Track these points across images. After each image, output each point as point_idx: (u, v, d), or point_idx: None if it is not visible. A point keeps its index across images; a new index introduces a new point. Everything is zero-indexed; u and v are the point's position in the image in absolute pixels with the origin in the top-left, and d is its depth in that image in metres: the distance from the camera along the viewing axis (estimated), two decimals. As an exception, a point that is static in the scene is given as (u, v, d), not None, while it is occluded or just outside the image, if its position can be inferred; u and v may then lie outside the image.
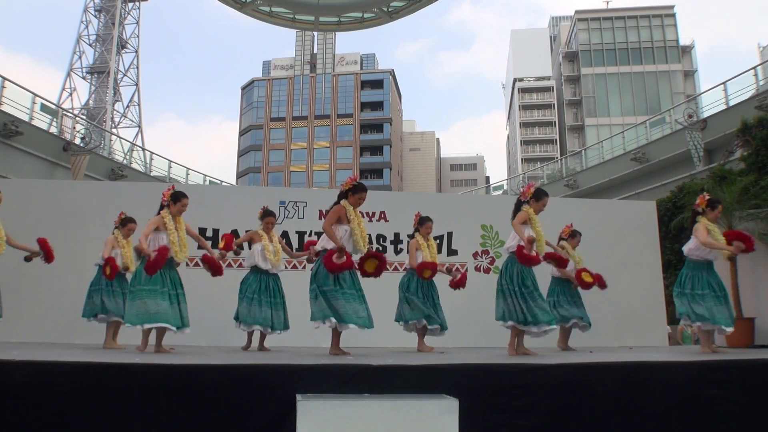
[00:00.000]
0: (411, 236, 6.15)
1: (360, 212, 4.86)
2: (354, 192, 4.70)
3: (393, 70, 62.00)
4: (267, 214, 5.79)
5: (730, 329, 4.99)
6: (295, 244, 7.30)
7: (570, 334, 6.35)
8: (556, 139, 55.27)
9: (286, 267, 6.49)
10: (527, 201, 4.93)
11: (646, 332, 7.54)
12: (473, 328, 6.53)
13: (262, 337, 5.62)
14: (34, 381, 2.90)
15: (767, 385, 3.51)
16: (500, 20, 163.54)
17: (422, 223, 5.99)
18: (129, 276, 5.46)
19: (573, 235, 6.52)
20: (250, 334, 5.63)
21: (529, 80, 59.79)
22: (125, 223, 5.80)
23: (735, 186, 8.15)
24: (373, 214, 7.48)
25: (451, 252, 7.57)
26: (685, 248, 5.31)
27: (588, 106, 45.81)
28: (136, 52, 56.24)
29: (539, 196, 4.92)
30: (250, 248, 5.75)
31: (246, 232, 6.00)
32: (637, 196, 19.49)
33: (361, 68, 60.80)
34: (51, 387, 2.89)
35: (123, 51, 55.40)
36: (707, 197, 5.39)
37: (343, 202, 4.69)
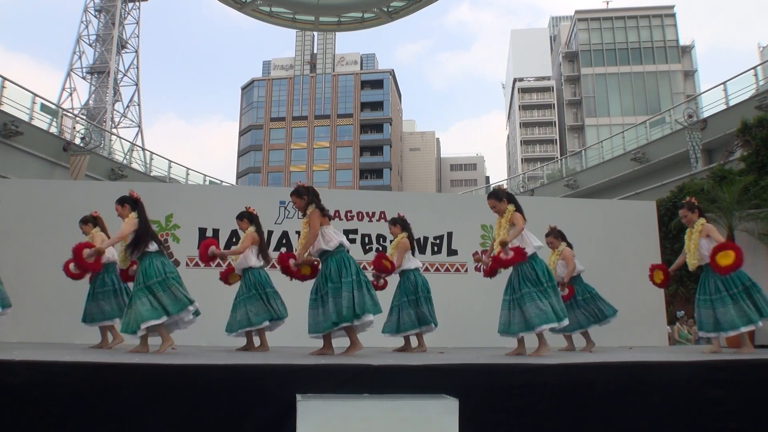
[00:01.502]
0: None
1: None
2: None
3: (393, 70, 62.02)
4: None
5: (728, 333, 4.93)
6: (294, 244, 7.30)
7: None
8: (556, 139, 55.28)
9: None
10: None
11: (646, 332, 7.53)
12: (473, 328, 6.53)
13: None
14: (34, 381, 2.89)
15: (767, 385, 3.51)
16: (499, 21, 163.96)
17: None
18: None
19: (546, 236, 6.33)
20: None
21: (529, 80, 59.79)
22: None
23: (735, 186, 8.15)
24: (373, 214, 7.48)
25: (451, 252, 7.57)
26: None
27: (588, 106, 45.82)
28: (136, 52, 56.28)
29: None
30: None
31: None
32: (637, 196, 19.50)
33: (361, 68, 60.79)
34: (51, 387, 2.88)
35: (123, 51, 55.40)
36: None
37: None
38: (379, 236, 7.41)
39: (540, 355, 4.50)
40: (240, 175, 58.29)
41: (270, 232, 7.19)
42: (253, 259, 5.59)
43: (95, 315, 5.52)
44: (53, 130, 19.23)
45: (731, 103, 18.18)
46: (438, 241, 7.57)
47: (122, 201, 4.84)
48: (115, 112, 53.51)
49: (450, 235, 7.60)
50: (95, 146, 19.65)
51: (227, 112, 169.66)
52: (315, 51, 60.84)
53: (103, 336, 5.63)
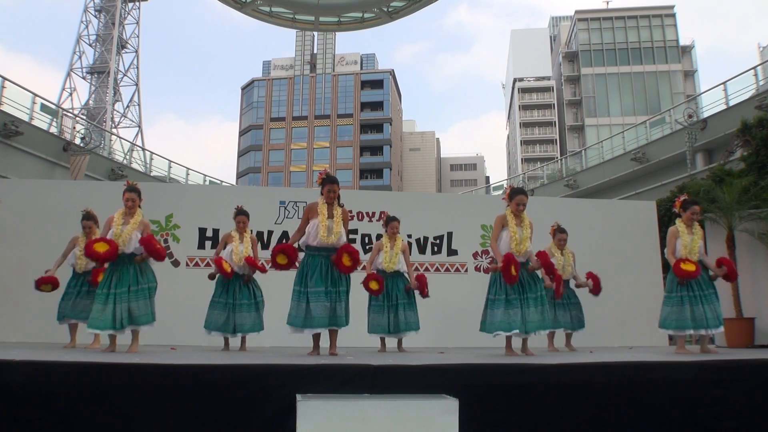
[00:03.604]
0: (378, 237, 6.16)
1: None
2: (322, 186, 4.70)
3: (393, 70, 61.97)
4: (237, 214, 5.73)
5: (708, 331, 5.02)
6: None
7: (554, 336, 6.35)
8: (556, 139, 55.26)
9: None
10: (508, 204, 4.98)
11: (646, 332, 7.52)
12: (473, 328, 6.52)
13: (242, 339, 5.64)
14: (34, 381, 2.89)
15: (767, 385, 3.51)
16: (498, 22, 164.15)
17: (387, 222, 6.01)
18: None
19: (554, 235, 6.43)
20: (226, 339, 5.64)
21: (529, 80, 59.76)
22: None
23: (735, 186, 8.13)
24: (373, 214, 7.48)
25: (451, 252, 7.57)
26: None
27: (588, 106, 45.79)
28: (136, 52, 56.23)
29: (512, 195, 4.94)
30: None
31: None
32: (637, 196, 19.50)
33: (361, 68, 60.76)
34: (51, 387, 2.88)
35: (123, 51, 55.35)
36: (683, 198, 5.42)
37: (320, 198, 4.71)
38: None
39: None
40: (240, 175, 58.26)
41: (270, 232, 7.19)
42: None
43: (78, 313, 5.52)
44: (53, 130, 19.21)
45: (731, 103, 18.17)
46: (438, 241, 7.57)
47: (140, 193, 4.87)
48: (115, 112, 53.48)
49: (450, 235, 7.60)
50: (95, 146, 19.64)
51: (227, 112, 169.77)
52: (315, 51, 60.80)
53: (73, 336, 5.67)
